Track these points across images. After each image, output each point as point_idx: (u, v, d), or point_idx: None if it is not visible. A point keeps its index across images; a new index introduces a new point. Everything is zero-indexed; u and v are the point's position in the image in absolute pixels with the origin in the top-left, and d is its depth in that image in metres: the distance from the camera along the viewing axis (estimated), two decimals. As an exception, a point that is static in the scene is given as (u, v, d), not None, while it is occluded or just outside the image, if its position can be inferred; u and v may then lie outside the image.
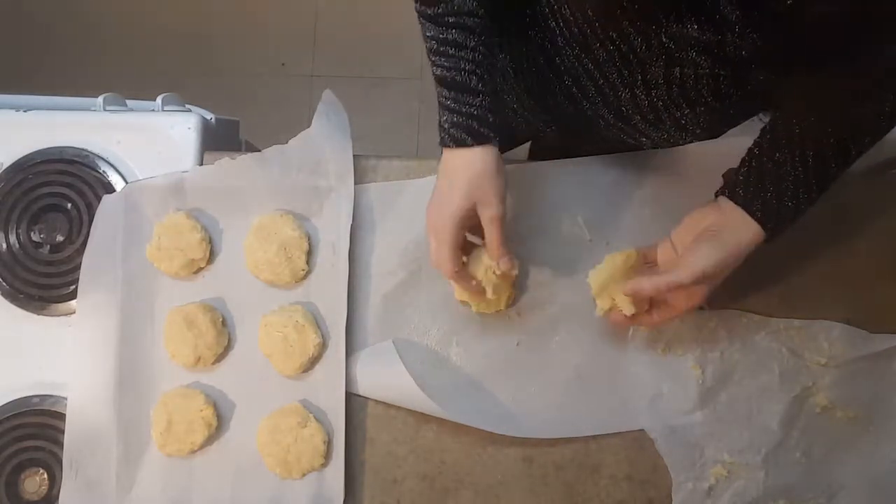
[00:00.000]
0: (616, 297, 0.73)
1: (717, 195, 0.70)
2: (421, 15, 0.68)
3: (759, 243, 0.67)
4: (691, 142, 0.81)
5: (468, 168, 0.68)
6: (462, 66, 0.66)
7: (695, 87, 0.65)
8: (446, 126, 0.68)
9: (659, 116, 0.71)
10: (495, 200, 0.69)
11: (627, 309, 0.72)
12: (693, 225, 0.70)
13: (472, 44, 0.66)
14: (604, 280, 0.73)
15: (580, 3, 0.64)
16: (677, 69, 0.63)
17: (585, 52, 0.69)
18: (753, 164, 0.68)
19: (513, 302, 0.82)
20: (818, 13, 0.51)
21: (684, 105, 0.68)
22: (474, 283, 0.75)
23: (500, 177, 0.69)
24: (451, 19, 0.66)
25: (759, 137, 0.69)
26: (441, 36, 0.66)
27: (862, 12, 0.52)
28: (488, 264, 0.74)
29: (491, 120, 0.67)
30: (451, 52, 0.66)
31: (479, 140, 0.67)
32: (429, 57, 0.69)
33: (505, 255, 0.71)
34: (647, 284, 0.68)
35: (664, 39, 0.61)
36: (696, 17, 0.57)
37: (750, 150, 0.69)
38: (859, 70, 0.62)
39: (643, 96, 0.69)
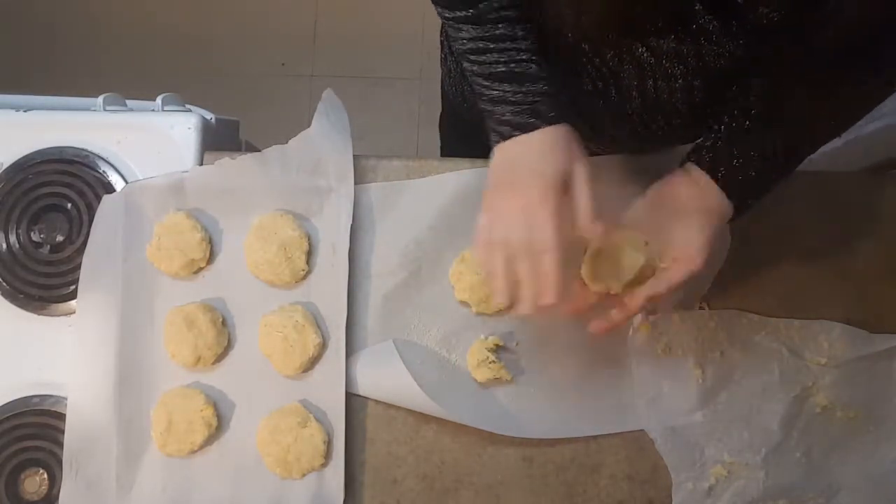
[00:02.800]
0: (609, 285, 0.69)
1: (682, 163, 0.67)
2: (454, 20, 0.65)
3: (727, 212, 0.65)
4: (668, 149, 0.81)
5: (552, 136, 0.63)
6: (519, 56, 0.64)
7: (669, 100, 0.64)
8: (507, 117, 0.64)
9: (634, 128, 0.71)
10: (587, 164, 0.64)
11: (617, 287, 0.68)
12: (665, 200, 0.66)
13: (521, 33, 0.64)
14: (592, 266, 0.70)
15: (555, 12, 0.64)
16: (651, 82, 0.63)
17: (562, 62, 0.68)
18: (723, 129, 0.65)
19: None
20: (798, 24, 0.51)
21: (660, 118, 0.68)
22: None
23: (583, 148, 0.65)
24: (493, 15, 0.64)
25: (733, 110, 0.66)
26: (486, 34, 0.64)
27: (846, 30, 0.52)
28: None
29: (558, 101, 0.64)
30: (502, 46, 0.64)
31: (549, 121, 0.63)
32: (469, 58, 0.66)
33: (598, 221, 0.64)
34: (664, 286, 0.65)
35: (641, 50, 0.60)
36: (673, 29, 0.56)
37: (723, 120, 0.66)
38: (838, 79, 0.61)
39: (617, 108, 0.69)
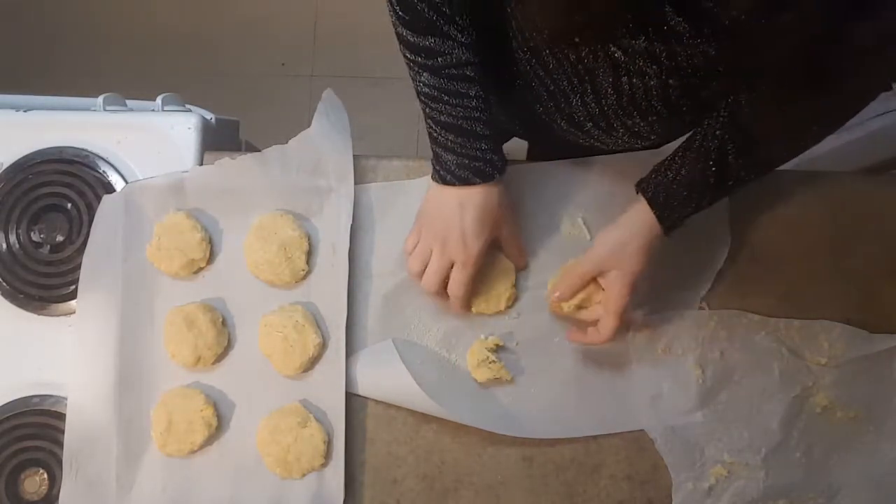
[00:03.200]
0: (552, 305, 0.79)
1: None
2: (414, 64, 0.68)
3: (655, 226, 0.69)
4: (648, 147, 0.81)
5: (486, 201, 0.72)
6: (467, 114, 0.68)
7: (645, 97, 0.65)
8: (450, 167, 0.71)
9: (611, 124, 0.72)
10: (513, 219, 0.78)
11: (567, 308, 0.77)
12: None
13: (474, 92, 0.68)
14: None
15: (530, 13, 0.65)
16: (625, 79, 0.64)
17: (536, 59, 0.70)
18: (666, 159, 0.70)
19: (513, 302, 0.82)
20: (766, 25, 0.51)
21: (636, 114, 0.69)
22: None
23: (510, 198, 0.76)
24: (451, 71, 0.67)
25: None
26: (442, 86, 0.68)
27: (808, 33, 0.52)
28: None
29: (496, 159, 0.71)
30: (454, 101, 0.68)
31: (486, 179, 0.71)
32: (422, 100, 0.70)
33: (525, 259, 0.82)
34: (564, 283, 0.74)
35: (612, 49, 0.61)
36: (643, 28, 0.57)
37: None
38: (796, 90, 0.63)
39: (593, 104, 0.70)
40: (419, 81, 0.69)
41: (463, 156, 0.70)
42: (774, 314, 0.83)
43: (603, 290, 0.74)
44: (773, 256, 0.84)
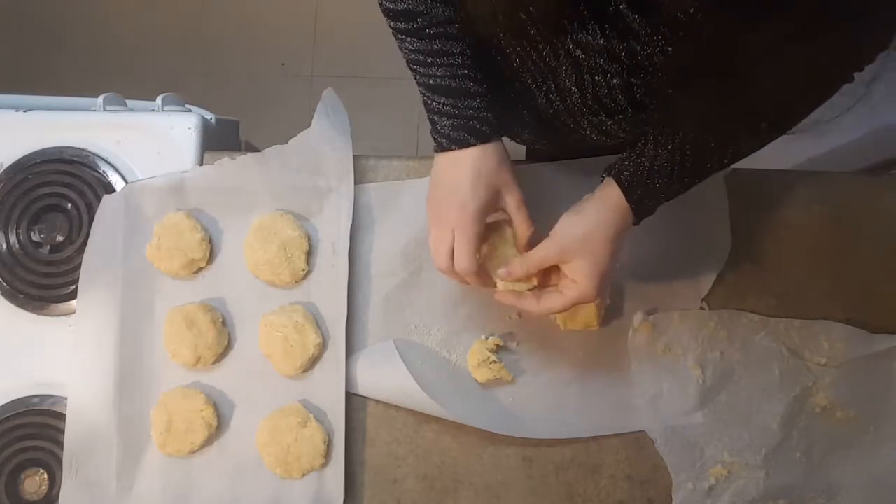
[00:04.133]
0: (494, 277, 0.72)
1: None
2: (397, 31, 0.68)
3: (625, 214, 0.66)
4: (618, 144, 0.80)
5: (481, 162, 0.68)
6: (455, 72, 0.67)
7: (609, 95, 0.65)
8: (445, 131, 0.68)
9: (578, 122, 0.71)
10: (515, 187, 0.70)
11: (503, 286, 0.71)
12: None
13: (458, 49, 0.67)
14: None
15: (492, 10, 0.65)
16: (587, 76, 0.64)
17: (501, 57, 0.70)
18: (638, 145, 0.68)
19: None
20: (717, 24, 0.51)
21: (602, 113, 0.68)
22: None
23: (510, 163, 0.71)
24: (432, 31, 0.67)
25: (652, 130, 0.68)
26: (426, 48, 0.67)
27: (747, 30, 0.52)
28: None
29: (491, 117, 0.68)
30: (440, 61, 0.67)
31: (482, 139, 0.68)
32: (412, 68, 0.69)
33: (535, 236, 0.72)
34: (517, 265, 0.69)
35: (571, 47, 0.61)
36: (600, 25, 0.57)
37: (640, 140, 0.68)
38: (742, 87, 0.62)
39: (558, 102, 0.70)
40: (405, 49, 0.68)
41: (456, 117, 0.68)
42: (774, 314, 0.83)
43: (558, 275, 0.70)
44: (773, 256, 0.84)
